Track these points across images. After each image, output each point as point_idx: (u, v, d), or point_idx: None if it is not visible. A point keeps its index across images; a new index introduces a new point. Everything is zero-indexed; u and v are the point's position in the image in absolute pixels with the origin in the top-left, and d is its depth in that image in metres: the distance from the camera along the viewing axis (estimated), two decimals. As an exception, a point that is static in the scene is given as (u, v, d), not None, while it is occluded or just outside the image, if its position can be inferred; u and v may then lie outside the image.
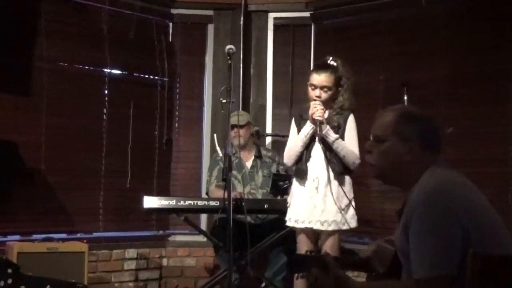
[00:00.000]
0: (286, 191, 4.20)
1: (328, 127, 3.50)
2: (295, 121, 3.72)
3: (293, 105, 5.15)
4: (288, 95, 5.20)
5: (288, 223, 3.67)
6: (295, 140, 3.63)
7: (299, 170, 3.62)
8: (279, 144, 5.10)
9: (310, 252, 2.37)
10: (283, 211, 4.08)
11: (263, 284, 4.34)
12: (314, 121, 3.49)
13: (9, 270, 3.48)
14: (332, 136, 3.51)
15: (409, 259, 1.94)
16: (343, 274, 2.13)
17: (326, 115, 3.54)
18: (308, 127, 3.55)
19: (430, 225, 1.87)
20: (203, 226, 4.97)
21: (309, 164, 3.60)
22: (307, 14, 5.17)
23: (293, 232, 3.96)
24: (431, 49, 4.48)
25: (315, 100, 3.53)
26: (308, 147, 3.60)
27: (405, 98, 3.98)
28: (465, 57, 4.30)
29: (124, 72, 4.97)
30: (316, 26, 5.18)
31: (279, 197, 4.23)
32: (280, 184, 4.20)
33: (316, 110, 3.47)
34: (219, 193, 4.28)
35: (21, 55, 4.40)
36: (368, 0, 4.84)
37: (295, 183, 3.69)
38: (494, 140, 4.12)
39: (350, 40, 4.91)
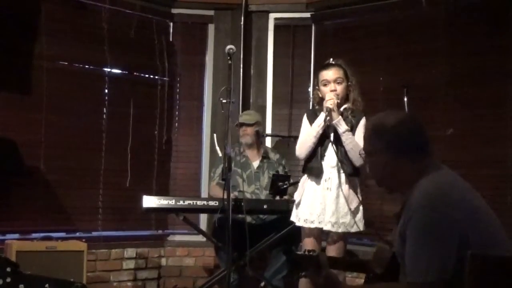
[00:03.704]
0: (285, 192, 4.19)
1: (340, 117, 3.52)
2: (307, 116, 3.69)
3: (293, 105, 5.15)
4: (288, 96, 5.20)
5: (297, 223, 3.63)
6: (309, 132, 3.61)
7: (314, 168, 3.59)
8: (279, 144, 5.10)
9: (309, 252, 2.36)
10: (283, 212, 4.08)
11: (262, 284, 4.34)
12: (326, 109, 3.50)
13: (8, 269, 3.48)
14: (343, 126, 3.50)
15: (406, 261, 1.94)
16: (334, 275, 2.14)
17: (344, 108, 3.57)
18: (321, 117, 3.55)
19: (427, 230, 1.87)
20: (202, 226, 4.97)
21: (323, 163, 3.59)
22: (307, 14, 5.17)
23: (292, 232, 3.95)
24: (431, 51, 4.48)
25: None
26: (322, 144, 3.59)
27: (405, 99, 3.97)
28: (465, 59, 4.30)
29: (124, 72, 4.97)
30: (316, 26, 5.18)
31: (278, 198, 4.23)
32: (279, 185, 4.19)
33: (330, 98, 3.51)
34: (219, 190, 4.27)
35: (21, 54, 4.39)
36: (368, 1, 4.84)
37: (307, 181, 3.64)
38: (493, 141, 4.12)
39: (351, 41, 4.91)
